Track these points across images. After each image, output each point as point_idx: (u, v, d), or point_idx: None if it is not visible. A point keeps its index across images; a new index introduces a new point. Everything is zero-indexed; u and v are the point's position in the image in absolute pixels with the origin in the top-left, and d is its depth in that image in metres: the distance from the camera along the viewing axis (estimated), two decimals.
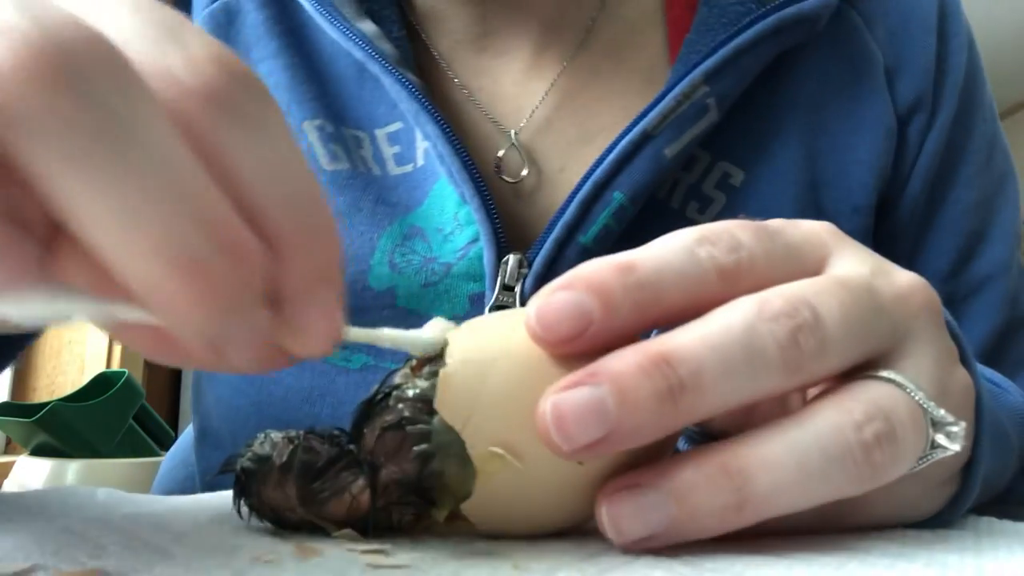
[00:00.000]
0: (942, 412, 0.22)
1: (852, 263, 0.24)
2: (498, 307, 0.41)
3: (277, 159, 0.17)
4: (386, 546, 0.21)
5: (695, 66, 0.41)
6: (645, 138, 0.41)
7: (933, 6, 0.48)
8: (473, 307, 0.42)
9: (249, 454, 0.23)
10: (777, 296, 0.21)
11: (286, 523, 0.23)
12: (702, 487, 0.20)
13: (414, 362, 0.23)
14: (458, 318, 0.42)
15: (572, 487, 0.21)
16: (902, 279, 0.24)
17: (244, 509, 0.23)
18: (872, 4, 0.47)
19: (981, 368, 0.30)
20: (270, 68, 0.46)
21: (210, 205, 0.16)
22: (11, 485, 1.32)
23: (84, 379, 1.57)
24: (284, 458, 0.22)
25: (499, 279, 0.41)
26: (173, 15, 0.17)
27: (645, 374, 0.20)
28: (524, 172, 0.44)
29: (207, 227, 0.15)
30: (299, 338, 0.19)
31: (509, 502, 0.22)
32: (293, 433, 0.23)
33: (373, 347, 0.42)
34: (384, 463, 0.22)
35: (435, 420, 0.21)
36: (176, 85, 0.16)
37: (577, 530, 0.23)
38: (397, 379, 0.23)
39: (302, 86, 0.45)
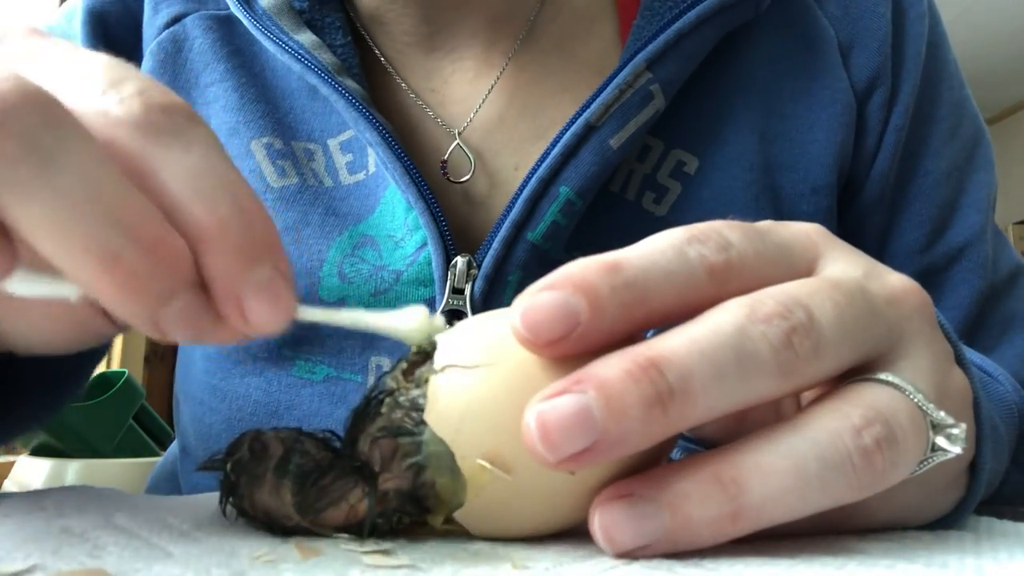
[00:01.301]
0: (942, 414, 0.22)
1: (843, 265, 0.23)
2: (449, 312, 0.40)
3: (196, 164, 0.20)
4: (386, 546, 0.21)
5: (637, 52, 0.41)
6: (589, 130, 0.40)
7: None
8: None
9: (240, 453, 0.23)
10: (769, 297, 0.21)
11: (278, 527, 0.22)
12: (695, 497, 0.20)
13: (405, 364, 0.23)
14: None
15: (564, 495, 0.21)
16: (894, 281, 0.24)
17: (230, 509, 0.23)
18: None
19: (971, 354, 0.30)
20: (218, 92, 0.46)
21: (129, 210, 0.19)
22: (11, 485, 1.32)
23: None
24: (278, 460, 0.22)
25: (448, 283, 0.40)
26: (112, 65, 0.21)
27: (633, 380, 0.19)
28: (469, 173, 0.44)
29: (126, 228, 0.18)
30: (234, 315, 0.21)
31: (501, 511, 0.22)
32: (284, 433, 0.23)
33: (335, 358, 0.42)
34: (379, 471, 0.22)
35: (426, 431, 0.21)
36: (107, 118, 0.20)
37: (576, 530, 0.23)
38: (389, 382, 0.23)
39: (251, 105, 0.45)
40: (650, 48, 0.41)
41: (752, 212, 0.43)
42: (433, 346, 0.23)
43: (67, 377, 0.38)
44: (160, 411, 1.66)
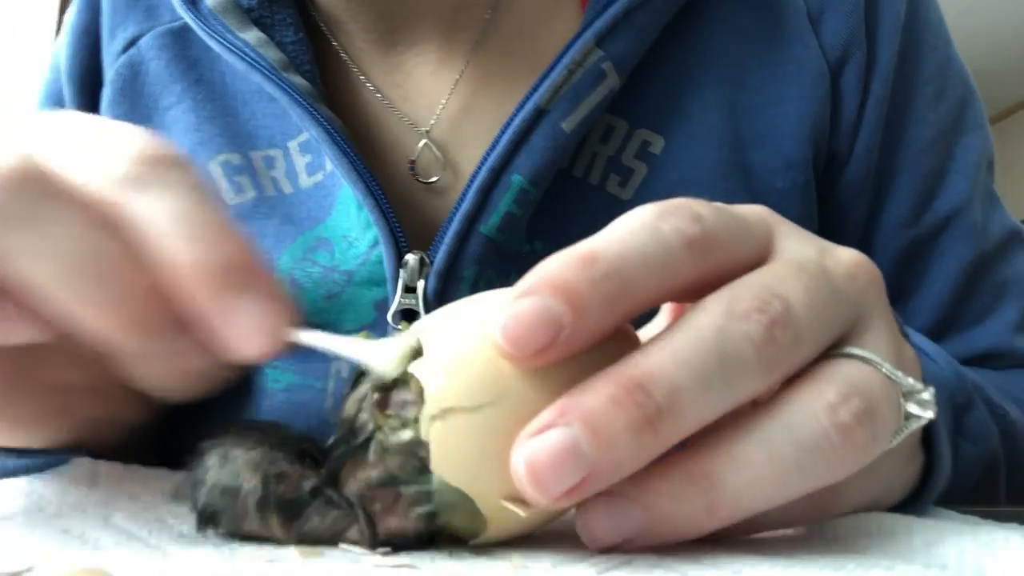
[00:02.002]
0: (911, 380, 0.22)
1: (795, 242, 0.23)
2: (402, 311, 0.39)
3: (170, 209, 0.21)
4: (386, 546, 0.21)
5: (585, 29, 0.39)
6: (539, 114, 0.39)
7: None
8: (380, 314, 0.40)
9: (211, 484, 0.21)
10: (744, 290, 0.21)
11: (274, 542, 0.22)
12: (668, 494, 0.20)
13: (376, 396, 0.21)
14: (367, 327, 0.38)
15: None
16: (846, 257, 0.24)
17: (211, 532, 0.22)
18: None
19: (911, 333, 0.30)
20: (176, 114, 0.46)
21: (113, 264, 0.21)
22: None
23: None
24: (258, 493, 0.21)
25: (400, 281, 0.39)
26: (92, 126, 0.23)
27: (618, 406, 0.18)
28: (437, 175, 0.43)
29: (109, 279, 0.21)
30: (224, 347, 0.22)
31: (520, 532, 0.22)
32: (253, 451, 0.21)
33: (302, 364, 0.41)
34: (379, 515, 0.21)
35: (434, 480, 0.20)
36: (92, 179, 0.22)
37: (576, 530, 0.23)
38: (354, 410, 0.21)
39: (206, 124, 0.45)
40: (598, 24, 0.39)
41: (722, 191, 0.41)
42: (403, 374, 0.21)
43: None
44: None
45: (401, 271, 0.39)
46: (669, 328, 0.20)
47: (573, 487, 0.18)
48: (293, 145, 0.44)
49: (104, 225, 0.21)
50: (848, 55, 0.44)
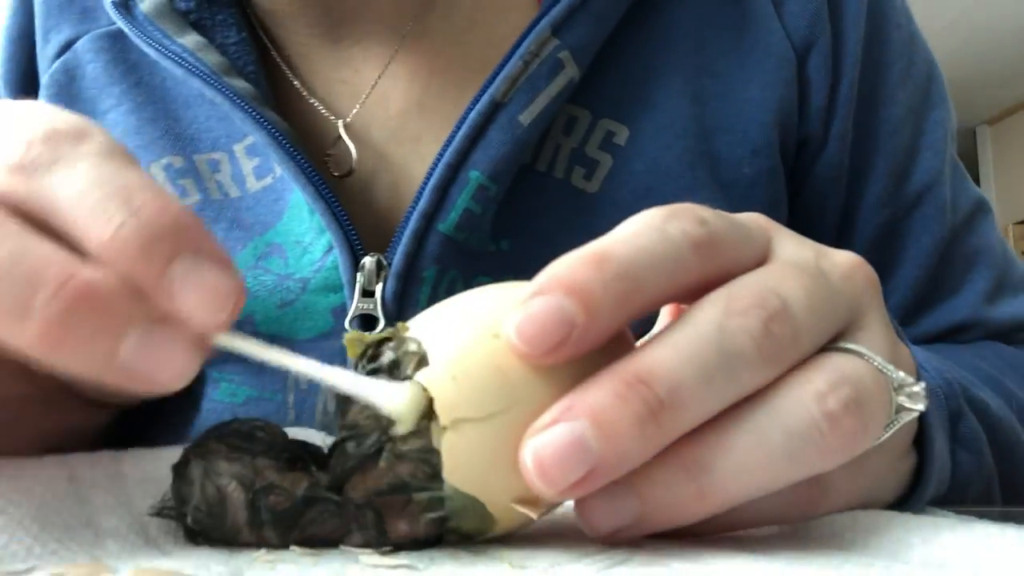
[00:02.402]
0: (902, 374, 0.22)
1: (793, 247, 0.24)
2: (360, 316, 0.38)
3: (82, 184, 0.19)
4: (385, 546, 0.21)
5: (540, 18, 0.38)
6: (495, 107, 0.38)
7: None
8: (337, 322, 0.39)
9: (195, 502, 0.20)
10: (743, 288, 0.21)
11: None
12: (660, 480, 0.20)
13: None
14: (325, 335, 0.37)
15: None
16: (843, 258, 0.24)
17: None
18: None
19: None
20: (116, 117, 0.45)
21: (33, 263, 0.18)
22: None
23: None
24: (247, 509, 0.20)
25: (357, 285, 0.38)
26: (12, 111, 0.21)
27: (622, 400, 0.19)
28: (351, 166, 0.41)
29: (33, 282, 0.18)
30: (181, 316, 0.19)
31: (524, 524, 0.22)
32: (238, 465, 0.20)
33: (256, 378, 0.40)
34: (389, 519, 0.21)
35: (446, 487, 0.20)
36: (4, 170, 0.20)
37: (575, 529, 0.23)
38: (362, 419, 0.21)
39: (148, 126, 0.44)
40: (553, 12, 0.38)
41: (688, 180, 0.41)
42: (400, 372, 0.21)
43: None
44: None
45: (358, 275, 0.38)
46: (670, 326, 0.21)
47: (580, 480, 0.19)
48: (239, 148, 0.43)
49: (17, 222, 0.19)
50: (814, 38, 0.43)
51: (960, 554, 0.22)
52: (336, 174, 0.42)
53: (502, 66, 0.38)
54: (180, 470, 0.21)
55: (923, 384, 0.22)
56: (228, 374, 0.42)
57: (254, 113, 0.39)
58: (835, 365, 0.21)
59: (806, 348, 0.21)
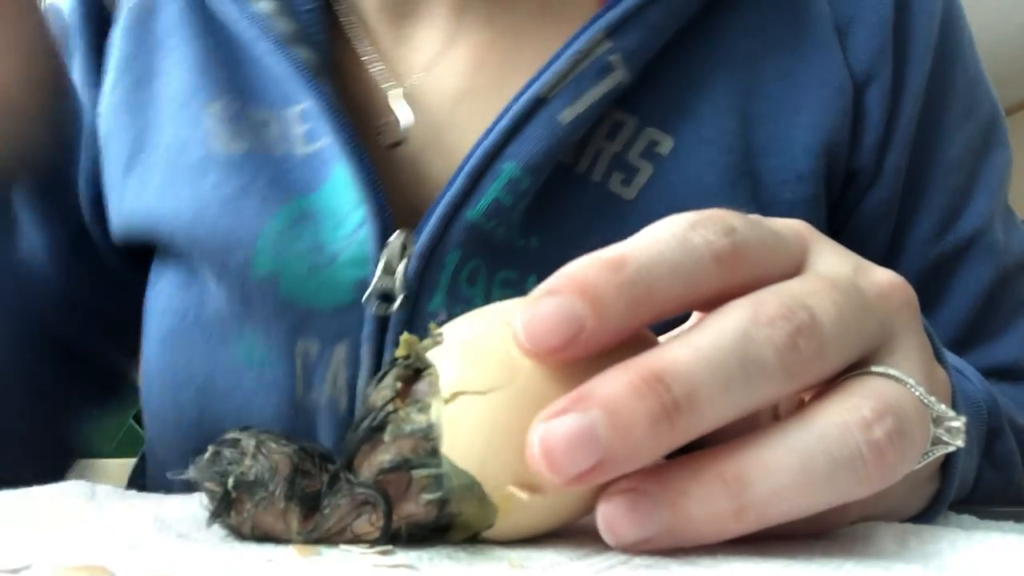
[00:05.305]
0: (943, 407, 0.22)
1: (831, 259, 0.23)
2: (379, 293, 0.38)
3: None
4: (385, 546, 0.21)
5: (597, 19, 0.39)
6: (538, 102, 0.38)
7: None
8: (357, 295, 0.39)
9: (244, 468, 0.21)
10: (772, 297, 0.20)
11: (274, 543, 0.22)
12: (696, 494, 0.19)
13: (398, 385, 0.22)
14: (343, 307, 0.38)
15: (591, 500, 0.21)
16: (881, 276, 0.24)
17: (220, 526, 0.22)
18: None
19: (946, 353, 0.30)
20: (184, 52, 0.45)
21: None
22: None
23: None
24: (288, 483, 0.21)
25: (381, 260, 0.38)
26: None
27: (638, 395, 0.19)
28: (401, 138, 0.42)
29: None
30: None
31: (532, 527, 0.22)
32: (288, 448, 0.22)
33: (263, 337, 0.40)
34: (394, 500, 0.21)
35: (444, 463, 0.20)
36: None
37: (575, 530, 0.23)
38: (380, 401, 0.22)
39: (211, 70, 0.45)
40: (610, 15, 0.38)
41: (727, 197, 0.41)
42: (422, 361, 0.22)
43: None
44: None
45: (384, 251, 0.38)
46: (692, 327, 0.20)
47: (586, 471, 0.18)
48: (294, 112, 0.43)
49: None
50: (875, 72, 0.43)
51: (960, 556, 0.22)
52: (385, 145, 0.42)
53: (551, 62, 0.39)
54: (228, 442, 0.22)
55: (963, 419, 0.22)
56: (249, 329, 0.41)
57: (312, 81, 0.40)
58: (880, 392, 0.21)
59: (832, 365, 0.21)
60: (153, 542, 0.21)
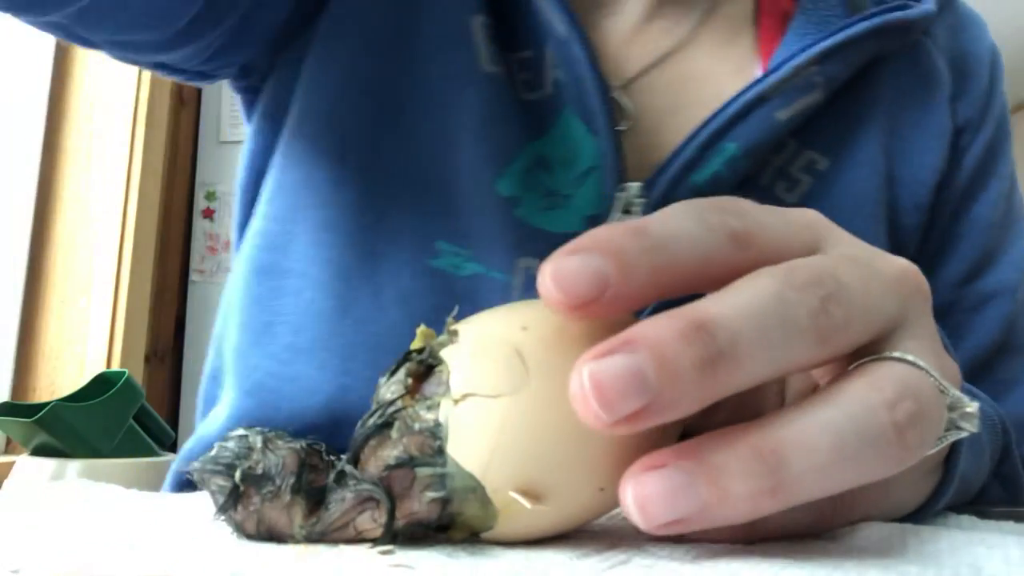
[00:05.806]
0: (957, 393, 0.22)
1: (847, 245, 0.24)
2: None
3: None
4: (384, 546, 0.21)
5: (809, 46, 0.44)
6: (760, 100, 0.43)
7: (988, 50, 0.54)
8: (587, 226, 0.42)
9: (253, 461, 0.21)
10: (801, 266, 0.21)
11: (277, 540, 0.22)
12: (734, 470, 0.19)
13: (409, 381, 0.22)
14: (570, 234, 0.41)
15: (594, 508, 0.22)
16: (896, 261, 0.24)
17: (226, 522, 0.22)
18: (942, 38, 0.53)
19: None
20: None
21: None
22: (11, 485, 1.32)
23: (84, 379, 1.57)
24: (295, 477, 0.21)
25: (620, 200, 0.42)
26: None
27: (686, 341, 0.18)
28: (624, 125, 0.46)
29: None
30: None
31: (532, 532, 0.22)
32: (296, 445, 0.22)
33: (483, 251, 0.43)
34: (397, 497, 0.21)
35: (448, 462, 0.20)
36: None
37: (576, 529, 0.23)
38: (390, 396, 0.22)
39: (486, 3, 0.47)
40: (825, 43, 0.44)
41: (872, 210, 0.47)
42: (435, 358, 0.22)
43: None
44: (160, 411, 1.66)
45: (617, 195, 0.42)
46: (726, 289, 0.20)
47: (634, 413, 0.18)
48: (513, 59, 0.46)
49: None
50: (964, 131, 0.52)
51: (959, 555, 0.22)
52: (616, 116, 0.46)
53: (775, 69, 0.44)
54: (234, 439, 0.22)
55: (976, 405, 0.22)
56: (456, 238, 0.44)
57: (580, 32, 0.43)
58: (900, 376, 0.21)
59: (856, 336, 0.21)
60: (153, 542, 0.22)
